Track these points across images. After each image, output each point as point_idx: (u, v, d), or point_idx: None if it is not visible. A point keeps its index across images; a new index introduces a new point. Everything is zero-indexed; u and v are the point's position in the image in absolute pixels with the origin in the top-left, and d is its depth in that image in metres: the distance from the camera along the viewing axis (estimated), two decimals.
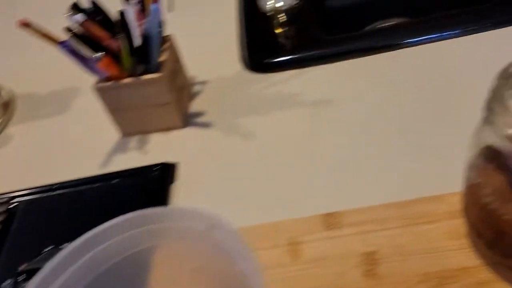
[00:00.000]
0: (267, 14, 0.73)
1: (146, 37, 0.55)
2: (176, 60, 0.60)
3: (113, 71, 0.54)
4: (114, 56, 0.53)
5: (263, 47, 0.69)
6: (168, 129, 0.60)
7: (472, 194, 0.36)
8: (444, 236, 0.42)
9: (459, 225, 0.42)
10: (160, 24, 0.55)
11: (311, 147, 0.54)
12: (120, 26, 0.53)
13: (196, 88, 0.66)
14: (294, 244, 0.45)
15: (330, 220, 0.46)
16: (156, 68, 0.55)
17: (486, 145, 0.33)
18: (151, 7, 0.52)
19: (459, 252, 0.41)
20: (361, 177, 0.49)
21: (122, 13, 0.54)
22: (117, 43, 0.53)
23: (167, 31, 0.60)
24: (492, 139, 0.31)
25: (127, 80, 0.55)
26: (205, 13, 0.81)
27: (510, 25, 0.59)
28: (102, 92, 0.56)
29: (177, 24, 0.64)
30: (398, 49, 0.62)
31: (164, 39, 0.59)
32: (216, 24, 0.77)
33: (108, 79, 0.55)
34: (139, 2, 0.54)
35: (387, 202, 0.46)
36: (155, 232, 0.33)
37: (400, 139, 0.52)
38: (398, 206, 0.45)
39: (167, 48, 0.58)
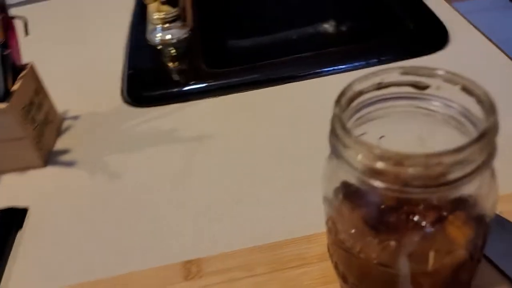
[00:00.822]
0: (157, 48, 0.69)
1: None
2: (36, 90, 0.54)
3: None
4: None
5: (146, 80, 0.64)
6: (25, 168, 0.52)
7: (330, 232, 0.31)
8: (315, 282, 0.37)
9: (331, 268, 0.37)
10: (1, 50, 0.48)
11: (180, 186, 0.49)
12: None
13: (67, 123, 0.59)
14: None
15: (191, 269, 0.40)
16: (3, 98, 0.48)
17: (341, 181, 0.29)
18: None
19: None
20: (228, 219, 0.44)
21: None
22: None
23: (39, 59, 0.54)
24: (345, 174, 0.28)
25: None
26: (92, 46, 0.76)
27: (392, 62, 0.59)
28: None
29: (57, 55, 0.58)
30: (284, 83, 0.59)
31: (21, 67, 0.52)
32: (102, 56, 0.72)
33: None
34: None
35: (255, 245, 0.41)
36: None
37: (271, 177, 0.48)
38: (266, 249, 0.40)
39: (24, 77, 0.51)
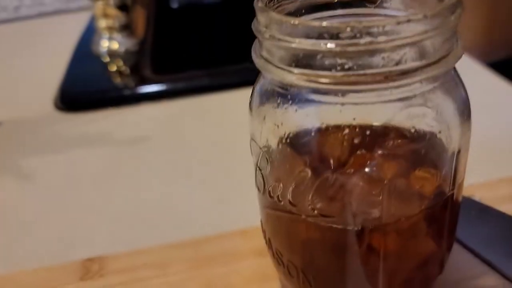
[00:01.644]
0: (102, 58, 0.63)
1: None
2: None
3: None
4: None
5: (82, 85, 0.57)
6: None
7: (262, 191, 0.23)
8: (247, 280, 0.28)
9: (268, 265, 0.29)
10: None
11: (101, 188, 0.41)
12: None
13: None
14: None
15: (91, 267, 0.31)
16: None
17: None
18: None
19: None
20: (150, 221, 0.36)
21: None
22: None
23: None
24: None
25: None
26: (37, 55, 0.70)
27: None
28: None
29: None
30: (231, 90, 0.53)
31: None
32: (44, 66, 0.66)
33: None
34: None
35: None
36: None
37: (203, 179, 0.41)
38: (184, 246, 0.31)
39: None
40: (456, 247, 0.27)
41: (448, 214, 0.22)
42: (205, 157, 0.44)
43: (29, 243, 0.35)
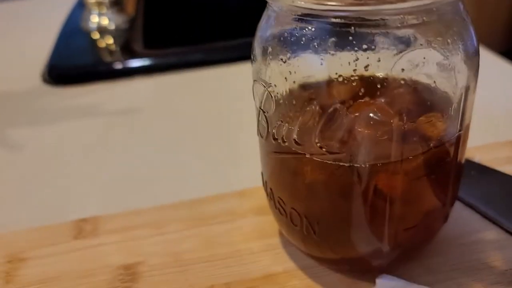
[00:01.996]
0: (92, 34, 0.62)
1: None
2: None
3: None
4: None
5: (71, 59, 0.56)
6: None
7: (264, 136, 0.23)
8: (244, 237, 0.28)
9: (267, 222, 0.28)
10: None
11: (91, 157, 0.40)
12: None
13: None
14: (14, 262, 0.28)
15: (85, 227, 0.30)
16: None
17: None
18: None
19: (264, 255, 0.27)
20: (144, 186, 0.35)
21: None
22: None
23: None
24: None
25: None
26: (26, 31, 0.68)
27: None
28: None
29: None
30: (222, 65, 0.53)
31: None
32: (33, 42, 0.64)
33: None
34: None
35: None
36: None
37: (197, 148, 0.40)
38: (182, 206, 0.31)
39: None
40: (457, 204, 0.26)
41: (454, 158, 0.22)
42: (197, 128, 0.43)
43: (19, 208, 0.34)
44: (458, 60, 0.20)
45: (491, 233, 0.27)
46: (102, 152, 0.40)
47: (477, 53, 0.20)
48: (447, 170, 0.22)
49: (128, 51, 0.56)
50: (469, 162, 0.31)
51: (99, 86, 0.52)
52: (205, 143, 0.40)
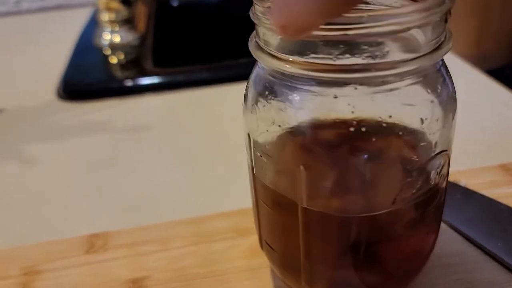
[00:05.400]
0: (104, 51, 0.64)
1: None
2: None
3: None
4: None
5: (84, 75, 0.59)
6: None
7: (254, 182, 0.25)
8: (244, 254, 0.30)
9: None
10: None
11: (98, 175, 0.42)
12: None
13: None
14: (30, 275, 0.30)
15: (96, 242, 0.32)
16: None
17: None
18: None
19: (262, 273, 0.29)
20: (148, 205, 0.38)
21: None
22: None
23: None
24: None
25: None
26: (40, 48, 0.71)
27: None
28: None
29: None
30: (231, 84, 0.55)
31: None
32: (48, 59, 0.67)
33: None
34: None
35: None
36: None
37: (202, 167, 0.43)
38: (187, 223, 0.33)
39: None
40: (441, 225, 0.28)
41: (433, 205, 0.23)
42: (203, 145, 0.45)
43: (31, 223, 0.36)
44: (433, 117, 0.21)
45: (473, 255, 0.28)
46: (111, 168, 0.43)
47: (453, 112, 0.22)
48: (427, 217, 0.24)
49: (138, 69, 0.59)
50: (455, 186, 0.33)
51: (110, 102, 0.54)
52: (210, 160, 0.43)
